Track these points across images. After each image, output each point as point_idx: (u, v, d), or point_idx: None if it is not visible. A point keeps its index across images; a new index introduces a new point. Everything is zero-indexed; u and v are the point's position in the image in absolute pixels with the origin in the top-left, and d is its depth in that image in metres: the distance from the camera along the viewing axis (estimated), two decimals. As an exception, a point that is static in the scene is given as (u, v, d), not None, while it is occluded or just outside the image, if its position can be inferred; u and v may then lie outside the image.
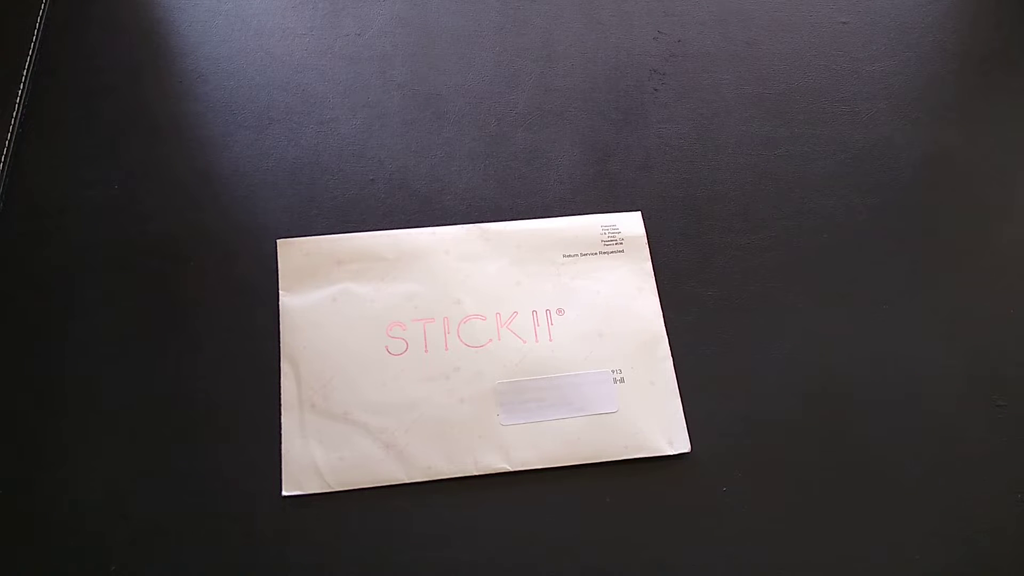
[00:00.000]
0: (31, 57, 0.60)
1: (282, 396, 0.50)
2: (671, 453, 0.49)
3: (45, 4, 0.62)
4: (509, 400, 0.50)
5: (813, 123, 0.60)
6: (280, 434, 0.49)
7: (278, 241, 0.54)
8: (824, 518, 0.48)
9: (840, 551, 0.47)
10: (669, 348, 0.52)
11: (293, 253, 0.54)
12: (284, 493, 0.47)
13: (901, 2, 0.66)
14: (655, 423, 0.50)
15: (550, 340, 0.52)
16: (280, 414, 0.49)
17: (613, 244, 0.55)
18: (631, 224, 0.56)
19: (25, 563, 0.45)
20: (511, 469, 0.48)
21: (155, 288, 0.53)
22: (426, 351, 0.51)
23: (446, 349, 0.51)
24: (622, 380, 0.51)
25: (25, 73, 0.59)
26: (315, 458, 0.48)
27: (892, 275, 0.55)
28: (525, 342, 0.52)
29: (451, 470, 0.48)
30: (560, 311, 0.53)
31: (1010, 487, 0.49)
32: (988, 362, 0.52)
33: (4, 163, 0.56)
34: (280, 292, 0.53)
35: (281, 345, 0.51)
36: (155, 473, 0.47)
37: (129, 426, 0.49)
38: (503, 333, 0.52)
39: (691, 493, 0.48)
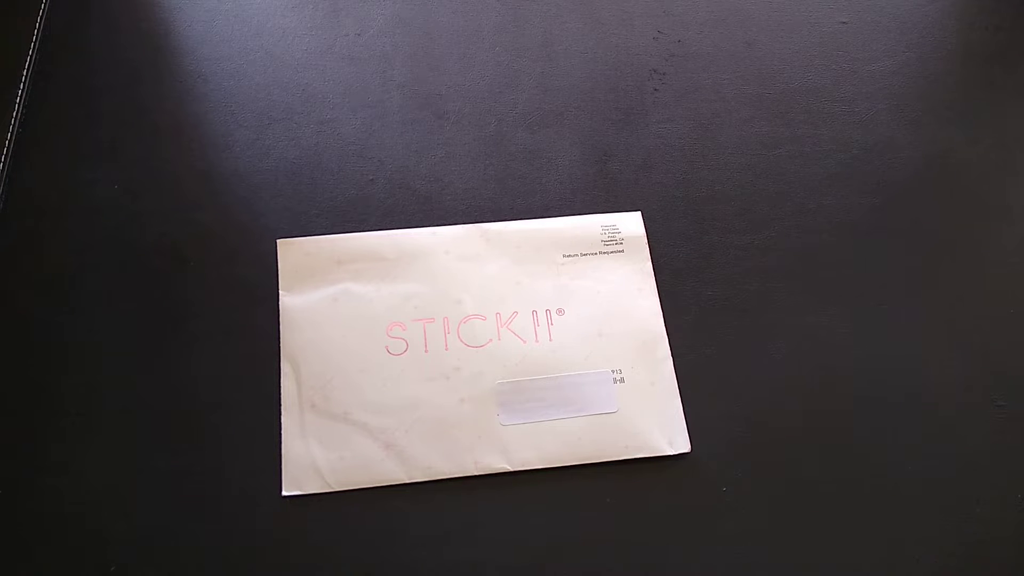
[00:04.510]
0: (31, 57, 0.60)
1: (282, 396, 0.50)
2: (671, 453, 0.49)
3: (45, 4, 0.62)
4: (509, 400, 0.50)
5: (813, 123, 0.60)
6: (280, 434, 0.49)
7: (278, 241, 0.54)
8: (824, 518, 0.48)
9: (840, 551, 0.47)
10: (669, 348, 0.52)
11: (293, 253, 0.54)
12: (284, 493, 0.47)
13: (901, 2, 0.66)
14: (655, 423, 0.50)
15: (550, 340, 0.52)
16: (280, 414, 0.49)
17: (613, 244, 0.55)
18: (631, 224, 0.56)
19: (25, 563, 0.45)
20: (511, 469, 0.48)
21: (155, 288, 0.53)
22: (426, 351, 0.51)
23: (446, 349, 0.51)
24: (622, 380, 0.51)
25: (25, 73, 0.59)
26: (315, 458, 0.48)
27: (892, 275, 0.55)
28: (525, 342, 0.52)
29: (451, 470, 0.48)
30: (560, 311, 0.53)
31: (1010, 487, 0.49)
32: (988, 362, 0.52)
33: (4, 163, 0.56)
34: (280, 292, 0.53)
35: (281, 345, 0.51)
36: (155, 473, 0.47)
37: (129, 426, 0.49)
38: (503, 333, 0.52)
39: (691, 493, 0.48)
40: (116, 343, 0.51)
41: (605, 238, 0.55)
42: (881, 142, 0.59)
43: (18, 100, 0.58)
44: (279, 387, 0.50)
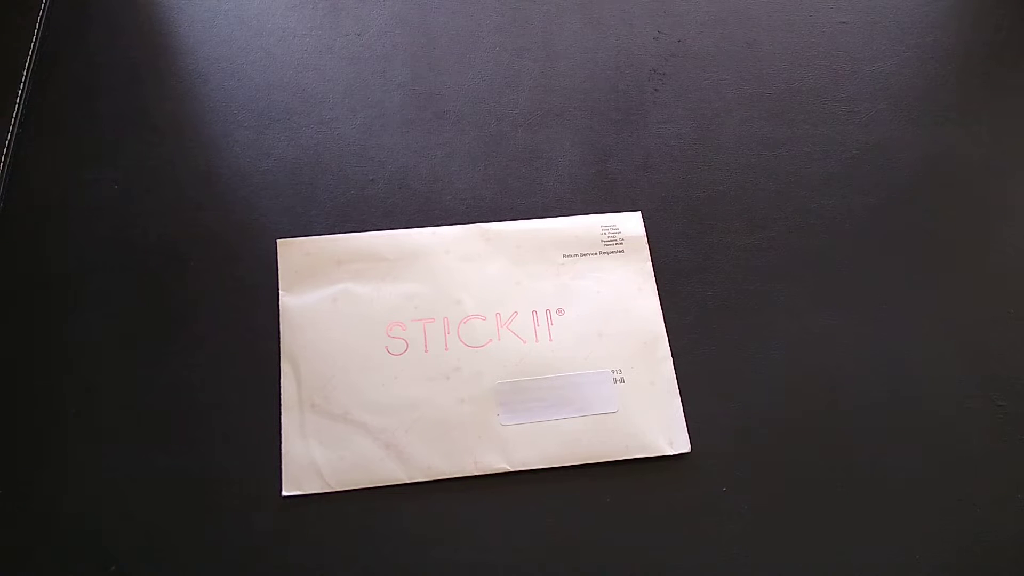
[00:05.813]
0: (31, 57, 0.60)
1: (282, 396, 0.50)
2: (671, 453, 0.49)
3: (45, 4, 0.62)
4: (509, 400, 0.50)
5: (813, 123, 0.60)
6: (280, 434, 0.49)
7: (278, 241, 0.54)
8: (824, 518, 0.48)
9: (840, 551, 0.47)
10: (669, 348, 0.52)
11: (293, 253, 0.54)
12: (284, 493, 0.47)
13: (901, 2, 0.66)
14: (655, 423, 0.50)
15: (550, 340, 0.52)
16: (280, 414, 0.49)
17: (613, 244, 0.55)
18: (631, 224, 0.56)
19: (25, 563, 0.45)
20: (511, 469, 0.48)
21: (155, 288, 0.53)
22: (426, 351, 0.51)
23: (446, 349, 0.51)
24: (622, 380, 0.51)
25: (25, 73, 0.59)
26: (315, 458, 0.48)
27: (892, 275, 0.55)
28: (525, 342, 0.52)
29: (451, 470, 0.48)
30: (560, 311, 0.53)
31: (1010, 487, 0.49)
32: (988, 362, 0.52)
33: (4, 163, 0.56)
34: (280, 292, 0.53)
35: (281, 345, 0.51)
36: (155, 473, 0.47)
37: (129, 426, 0.49)
38: (503, 333, 0.52)
39: (691, 493, 0.48)
40: (116, 343, 0.51)
41: (605, 238, 0.55)
42: (881, 142, 0.59)
43: (18, 100, 0.58)
44: (279, 387, 0.50)
